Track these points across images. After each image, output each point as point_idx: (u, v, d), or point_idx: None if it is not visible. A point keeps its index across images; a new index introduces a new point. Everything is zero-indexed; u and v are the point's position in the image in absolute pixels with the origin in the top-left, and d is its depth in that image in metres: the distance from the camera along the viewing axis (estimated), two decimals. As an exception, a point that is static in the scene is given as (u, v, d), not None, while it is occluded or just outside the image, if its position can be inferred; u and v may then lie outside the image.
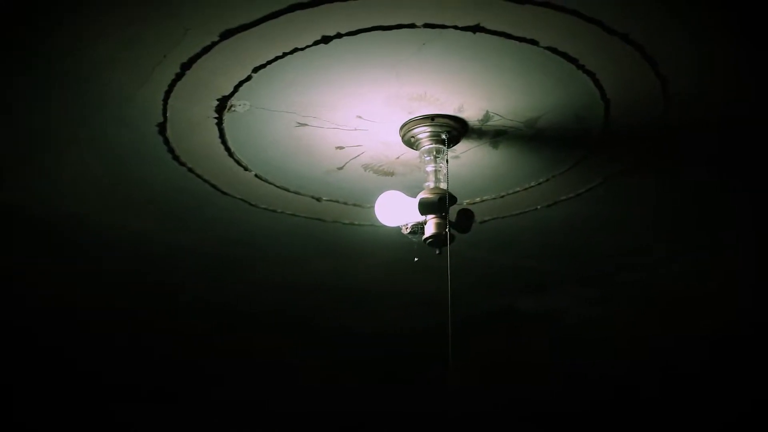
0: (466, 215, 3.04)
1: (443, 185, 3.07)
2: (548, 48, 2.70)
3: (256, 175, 3.38)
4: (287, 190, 3.50)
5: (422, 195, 3.00)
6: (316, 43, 2.64)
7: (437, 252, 3.01)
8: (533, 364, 5.25)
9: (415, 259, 3.09)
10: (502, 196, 3.59)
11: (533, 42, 2.67)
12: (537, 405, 5.80)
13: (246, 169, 3.33)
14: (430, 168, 3.10)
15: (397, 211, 3.06)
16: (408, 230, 3.05)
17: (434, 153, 3.09)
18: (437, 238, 2.98)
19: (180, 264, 4.08)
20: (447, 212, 2.99)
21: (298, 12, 2.50)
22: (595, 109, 3.00)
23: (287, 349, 5.03)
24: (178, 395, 5.52)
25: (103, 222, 3.68)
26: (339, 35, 2.61)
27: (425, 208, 2.98)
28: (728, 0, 2.56)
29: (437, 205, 2.97)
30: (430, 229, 2.99)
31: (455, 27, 2.60)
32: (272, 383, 5.47)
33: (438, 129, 3.05)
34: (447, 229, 2.97)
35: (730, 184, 3.51)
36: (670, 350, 5.07)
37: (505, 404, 5.79)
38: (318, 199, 3.58)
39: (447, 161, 3.10)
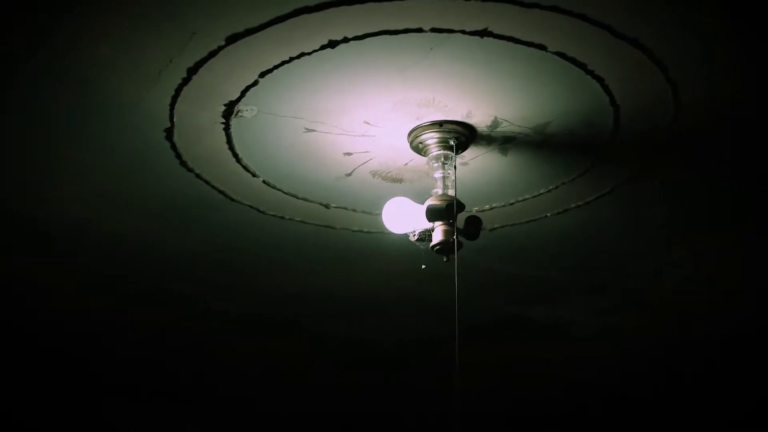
0: (473, 222, 3.01)
1: (451, 192, 3.05)
2: (556, 53, 2.67)
3: (263, 181, 3.37)
4: (295, 196, 3.48)
5: (430, 201, 2.98)
6: (322, 47, 2.62)
7: (445, 259, 2.99)
8: (542, 372, 5.21)
9: (423, 266, 3.06)
10: (512, 204, 3.56)
11: (541, 47, 2.64)
12: (546, 410, 5.77)
13: (254, 175, 3.32)
14: (438, 174, 3.08)
15: (404, 218, 3.04)
16: (415, 237, 3.03)
17: (442, 159, 3.06)
18: (445, 245, 2.95)
19: (186, 270, 4.07)
20: (455, 219, 2.97)
21: (304, 16, 2.47)
22: (605, 114, 2.97)
23: (293, 356, 5.01)
24: (180, 397, 5.51)
25: (107, 227, 3.67)
26: (346, 39, 2.59)
27: (432, 214, 2.95)
28: (739, 3, 2.53)
29: (444, 211, 2.94)
30: (437, 236, 2.96)
31: (462, 31, 2.57)
32: (277, 388, 5.46)
33: (446, 135, 3.03)
34: (455, 236, 2.95)
35: (741, 189, 3.47)
36: (679, 356, 5.03)
37: (514, 410, 5.76)
38: (326, 206, 3.56)
39: (455, 167, 3.07)
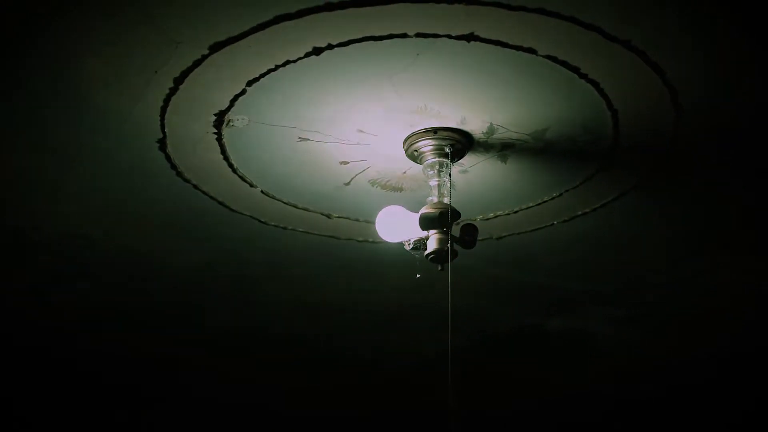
0: (469, 230, 2.96)
1: (446, 200, 2.99)
2: (547, 56, 2.61)
3: (262, 192, 3.34)
4: (296, 206, 3.45)
5: (424, 210, 2.92)
6: (307, 54, 2.59)
7: (439, 268, 2.93)
8: (552, 382, 5.13)
9: (417, 275, 3.01)
10: (516, 212, 3.49)
11: (531, 50, 2.58)
12: (557, 420, 5.69)
13: (251, 185, 3.29)
14: (433, 182, 3.02)
15: (398, 227, 2.99)
16: (410, 246, 2.98)
17: (437, 167, 3.01)
18: (439, 254, 2.89)
19: (188, 283, 4.05)
20: (449, 227, 2.91)
21: (286, 23, 2.45)
22: (603, 119, 2.90)
23: (297, 370, 4.98)
24: (182, 407, 5.52)
25: (106, 241, 3.67)
26: (330, 46, 2.56)
27: (426, 223, 2.90)
28: (737, 4, 2.45)
29: (438, 219, 2.89)
30: (431, 245, 2.90)
31: (448, 36, 2.53)
32: (280, 402, 5.43)
33: (441, 142, 2.98)
34: (449, 245, 2.89)
35: (749, 194, 3.36)
36: (691, 367, 4.92)
37: (522, 418, 5.68)
38: (328, 216, 3.53)
39: (450, 175, 3.02)
